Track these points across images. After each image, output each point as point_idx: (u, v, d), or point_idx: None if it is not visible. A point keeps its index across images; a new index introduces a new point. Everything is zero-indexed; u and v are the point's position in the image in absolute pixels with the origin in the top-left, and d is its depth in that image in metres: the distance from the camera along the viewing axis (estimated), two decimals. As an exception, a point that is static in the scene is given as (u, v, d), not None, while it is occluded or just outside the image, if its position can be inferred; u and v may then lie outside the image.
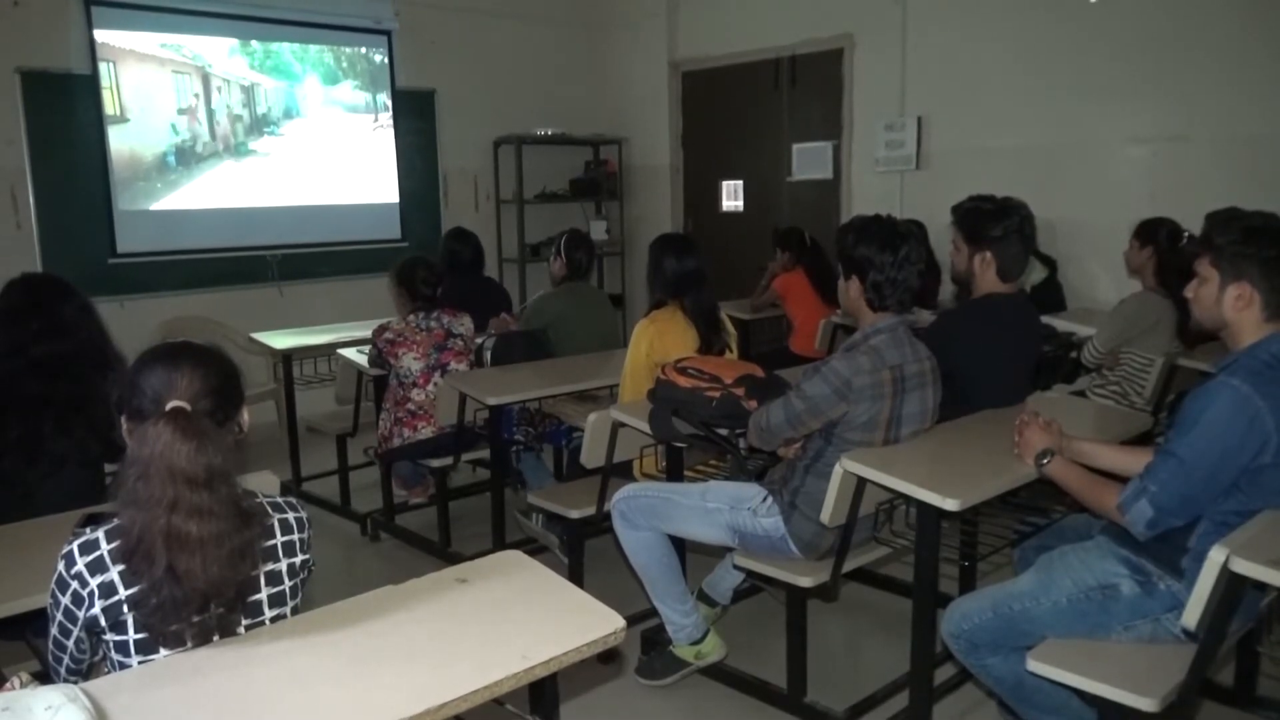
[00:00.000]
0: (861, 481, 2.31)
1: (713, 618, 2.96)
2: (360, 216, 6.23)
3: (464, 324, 3.83)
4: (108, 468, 2.45)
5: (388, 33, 6.20)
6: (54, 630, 1.50)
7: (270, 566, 1.55)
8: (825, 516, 2.34)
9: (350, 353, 4.22)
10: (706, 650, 2.76)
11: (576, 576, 3.10)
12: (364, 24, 6.09)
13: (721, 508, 2.58)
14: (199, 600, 1.45)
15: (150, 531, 1.41)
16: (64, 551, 1.45)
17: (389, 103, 6.28)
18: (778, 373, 2.89)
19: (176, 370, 1.51)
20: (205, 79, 5.52)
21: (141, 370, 1.53)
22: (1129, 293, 3.91)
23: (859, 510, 2.37)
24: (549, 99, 6.93)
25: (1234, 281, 1.94)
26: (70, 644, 1.49)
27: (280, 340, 4.56)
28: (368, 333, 3.92)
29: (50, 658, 1.55)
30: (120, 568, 1.43)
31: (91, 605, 1.43)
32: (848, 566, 2.51)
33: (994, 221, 2.73)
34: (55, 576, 1.46)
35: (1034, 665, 1.98)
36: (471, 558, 1.84)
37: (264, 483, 2.14)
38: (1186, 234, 3.74)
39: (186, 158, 5.50)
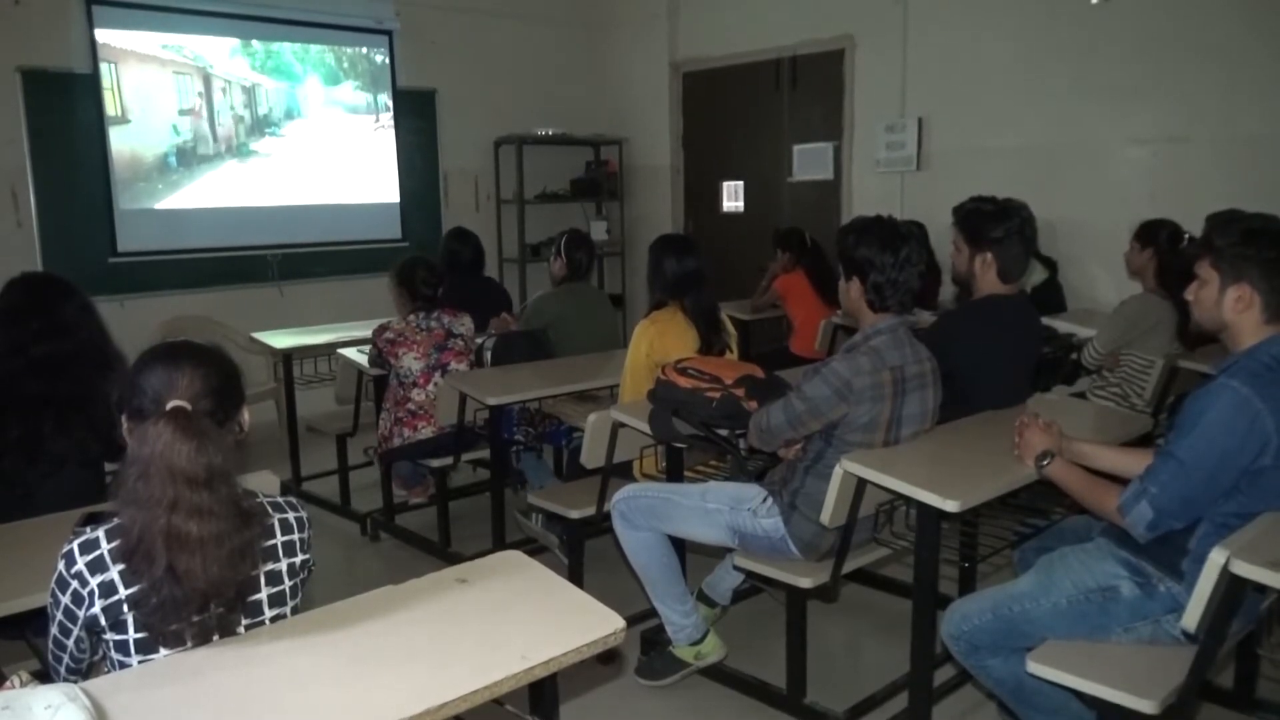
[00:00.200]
0: (861, 482, 2.31)
1: (712, 618, 2.96)
2: (361, 216, 6.23)
3: (464, 324, 3.83)
4: (108, 467, 2.45)
5: (388, 33, 6.20)
6: (54, 629, 1.50)
7: (270, 566, 1.55)
8: (825, 517, 2.34)
9: (350, 352, 4.22)
10: (706, 651, 2.76)
11: (576, 577, 3.10)
12: (365, 24, 6.09)
13: (721, 508, 2.58)
14: (199, 600, 1.45)
15: (150, 531, 1.41)
16: (64, 551, 1.45)
17: (390, 103, 6.28)
18: (778, 373, 2.89)
19: (177, 370, 1.51)
20: (206, 79, 5.52)
21: (142, 370, 1.53)
22: (1129, 294, 3.91)
23: (859, 511, 2.37)
24: (550, 99, 6.93)
25: (1234, 283, 1.94)
26: (70, 643, 1.49)
27: (280, 340, 4.56)
28: (368, 332, 3.92)
29: (50, 657, 1.55)
30: (120, 567, 1.43)
31: (91, 604, 1.43)
32: (848, 567, 2.51)
33: (995, 223, 2.73)
34: (55, 576, 1.46)
35: (1034, 667, 1.98)
36: (471, 558, 1.85)
37: (264, 482, 2.14)
38: (1187, 235, 3.74)
39: (187, 157, 5.50)
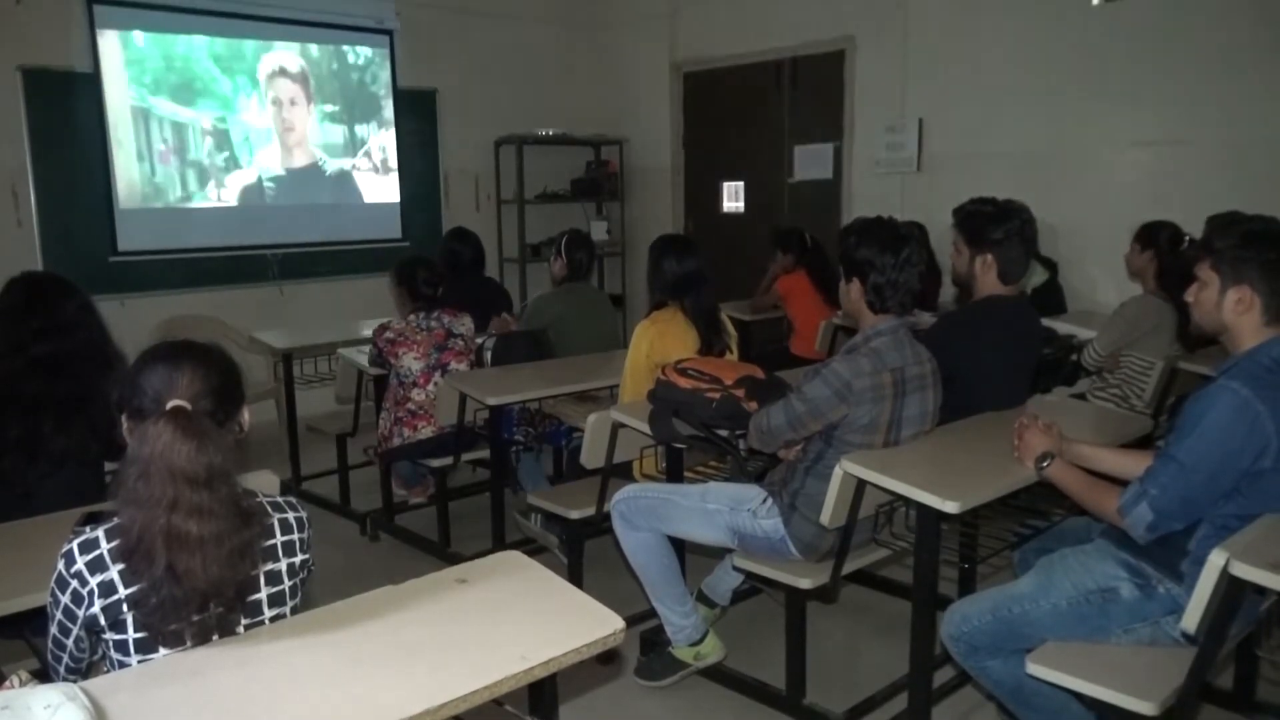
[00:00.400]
0: (861, 483, 2.31)
1: (712, 619, 2.96)
2: (361, 216, 6.23)
3: (464, 324, 3.83)
4: (107, 467, 2.45)
5: (389, 32, 6.20)
6: (53, 629, 1.50)
7: (270, 566, 1.55)
8: (825, 518, 2.34)
9: (350, 352, 4.22)
10: (706, 651, 2.76)
11: (576, 577, 3.10)
12: (365, 24, 6.09)
13: (721, 509, 2.58)
14: (198, 600, 1.45)
15: (150, 531, 1.41)
16: (64, 550, 1.45)
17: (390, 102, 6.28)
18: (778, 374, 2.89)
19: (177, 369, 1.51)
20: (207, 81, 5.52)
21: (142, 369, 1.53)
22: (1130, 296, 3.91)
23: (859, 512, 2.37)
24: (550, 99, 6.93)
25: (1234, 285, 1.95)
26: (70, 643, 1.49)
27: (280, 339, 4.56)
28: (368, 332, 3.92)
29: (49, 656, 1.55)
30: (120, 567, 1.43)
31: (91, 604, 1.43)
32: (847, 568, 2.51)
33: (995, 224, 2.73)
34: (55, 575, 1.46)
35: (1033, 668, 1.98)
36: (471, 558, 1.84)
37: (264, 482, 2.14)
38: (1187, 237, 3.74)
39: (190, 156, 5.50)
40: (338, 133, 6.08)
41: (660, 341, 3.15)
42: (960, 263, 2.85)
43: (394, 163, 6.32)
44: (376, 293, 5.58)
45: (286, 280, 5.89)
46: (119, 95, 5.19)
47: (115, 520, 1.45)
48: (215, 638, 1.49)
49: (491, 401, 3.26)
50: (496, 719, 1.66)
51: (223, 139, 5.60)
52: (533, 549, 3.48)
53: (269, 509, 1.59)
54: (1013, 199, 2.82)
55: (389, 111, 6.27)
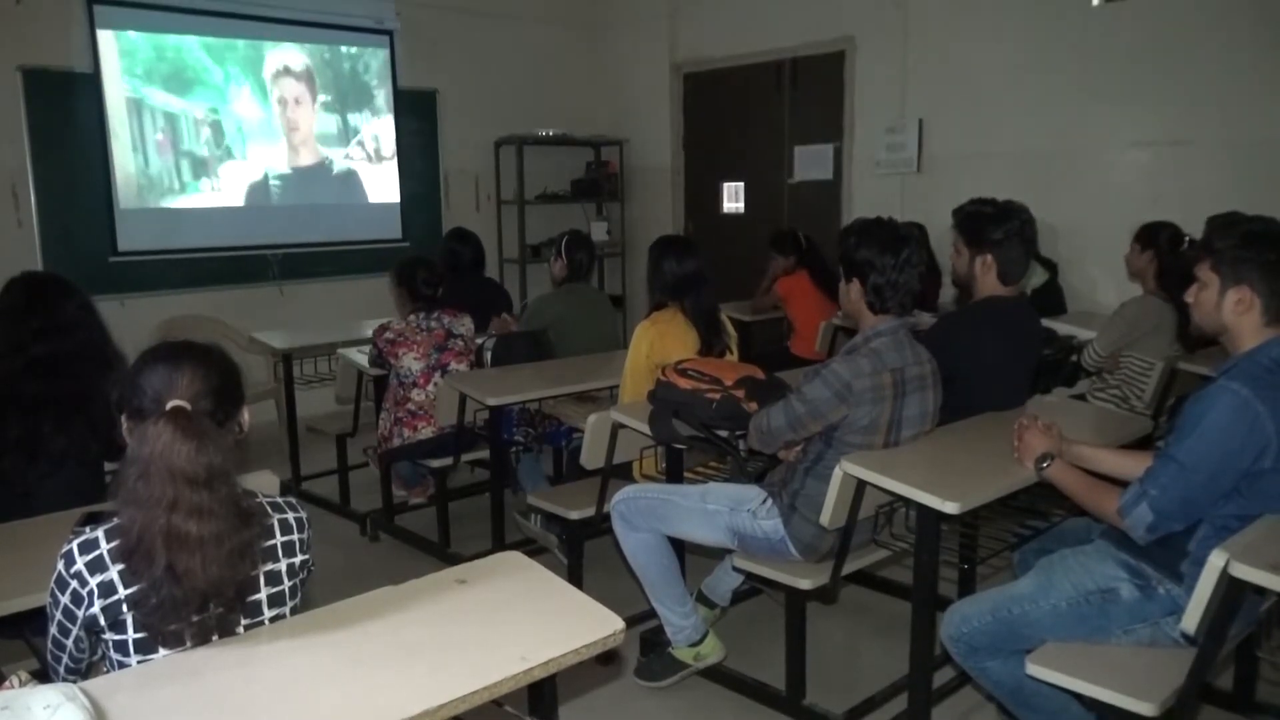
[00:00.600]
0: (861, 484, 2.31)
1: (712, 619, 2.96)
2: (361, 216, 6.23)
3: (464, 324, 3.83)
4: (107, 467, 2.45)
5: (389, 33, 6.20)
6: (53, 629, 1.50)
7: (270, 566, 1.55)
8: (825, 519, 2.34)
9: (350, 353, 4.22)
10: (705, 652, 2.76)
11: (576, 578, 3.10)
12: (365, 24, 6.09)
13: (721, 509, 2.58)
14: (198, 600, 1.45)
15: (150, 531, 1.41)
16: (63, 550, 1.45)
17: (390, 103, 6.28)
18: (778, 375, 2.89)
19: (177, 370, 1.51)
20: (206, 80, 5.52)
21: (142, 369, 1.53)
22: (1130, 296, 3.91)
23: (859, 513, 2.37)
24: (550, 100, 6.93)
25: (1234, 286, 1.95)
26: (69, 643, 1.49)
27: (280, 340, 4.56)
28: (368, 332, 3.92)
29: (49, 656, 1.55)
30: (120, 567, 1.43)
31: (91, 604, 1.43)
32: (847, 569, 2.51)
33: (995, 225, 2.73)
34: (55, 575, 1.46)
35: (1033, 669, 1.98)
36: (471, 558, 1.84)
37: (264, 482, 2.14)
38: (1187, 238, 3.74)
39: (189, 156, 5.50)
40: (337, 132, 6.08)
41: (660, 342, 3.15)
42: (960, 263, 2.85)
43: (385, 151, 6.26)
44: (376, 293, 5.58)
45: (287, 280, 5.89)
46: (116, 90, 5.18)
47: (115, 520, 1.45)
48: (215, 638, 1.49)
49: (491, 402, 3.26)
50: (496, 719, 1.66)
51: (216, 130, 5.57)
52: (533, 549, 3.48)
53: (269, 509, 1.59)
54: (1012, 199, 2.82)
55: (388, 108, 6.26)
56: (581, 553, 3.20)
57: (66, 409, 2.38)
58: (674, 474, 2.90)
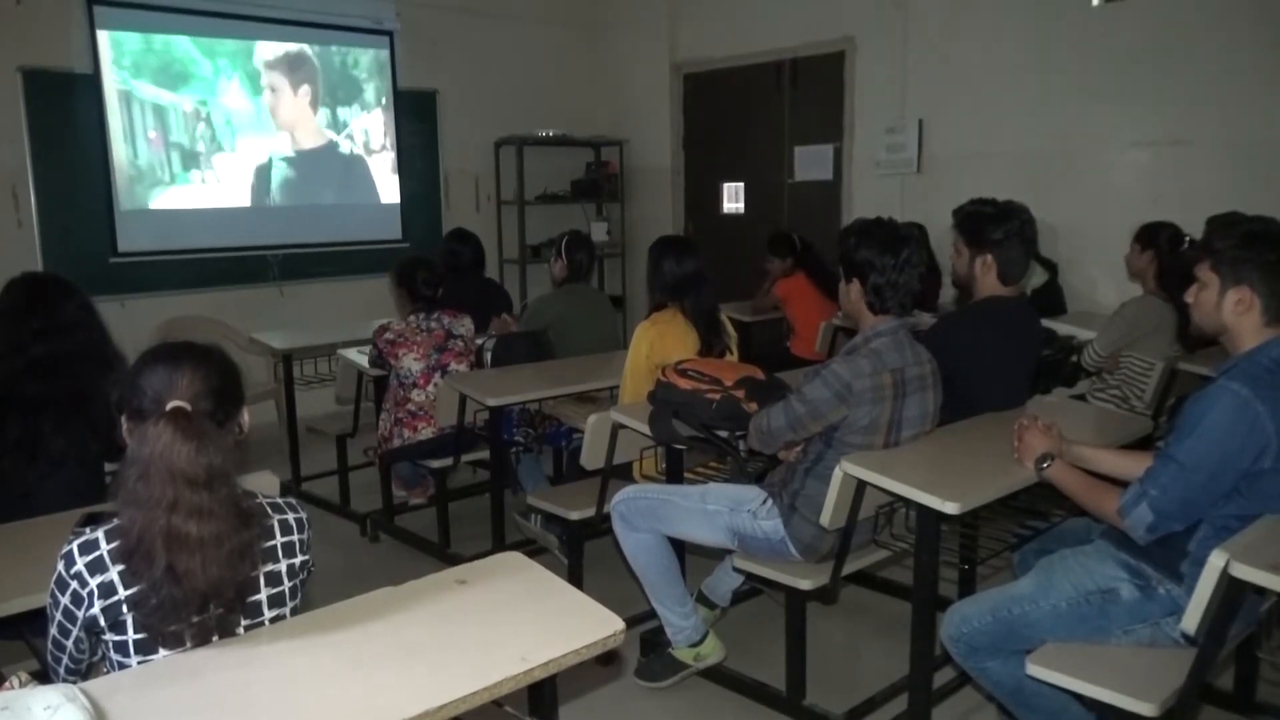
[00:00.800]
0: (861, 484, 2.31)
1: (712, 620, 2.96)
2: (361, 217, 6.23)
3: (464, 325, 3.83)
4: (107, 467, 2.45)
5: (389, 33, 6.20)
6: (53, 630, 1.50)
7: (270, 567, 1.55)
8: (825, 519, 2.34)
9: (350, 353, 4.23)
10: (705, 652, 2.76)
11: (576, 578, 3.10)
12: (365, 24, 6.09)
13: (721, 510, 2.58)
14: (198, 600, 1.45)
15: (150, 532, 1.41)
16: (63, 551, 1.45)
17: (390, 103, 6.28)
18: (778, 375, 2.89)
19: (177, 370, 1.51)
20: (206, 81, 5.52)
21: (142, 370, 1.53)
22: (1130, 297, 3.91)
23: (859, 513, 2.37)
24: (550, 100, 6.93)
25: (1234, 286, 1.95)
26: (69, 644, 1.49)
27: (280, 340, 4.56)
28: (368, 333, 3.92)
29: (49, 657, 1.55)
30: (120, 568, 1.43)
31: (91, 605, 1.43)
32: (847, 569, 2.51)
33: (995, 225, 2.73)
34: (55, 576, 1.46)
35: (1033, 669, 1.98)
36: (471, 559, 1.84)
37: (264, 483, 2.14)
38: (1187, 238, 3.74)
39: (189, 157, 5.50)
40: (338, 132, 6.08)
41: (660, 342, 3.15)
42: (960, 264, 2.85)
43: (377, 143, 6.24)
44: (376, 293, 5.59)
45: (287, 281, 5.89)
46: (112, 86, 5.17)
47: (115, 521, 1.45)
48: (215, 639, 1.49)
49: (491, 402, 3.26)
50: (496, 719, 1.66)
51: (207, 123, 5.55)
52: (533, 550, 3.49)
53: (269, 510, 1.59)
54: (1013, 200, 2.82)
55: (389, 112, 6.26)
56: (581, 553, 3.20)
57: (66, 409, 2.38)
58: (674, 474, 2.90)
